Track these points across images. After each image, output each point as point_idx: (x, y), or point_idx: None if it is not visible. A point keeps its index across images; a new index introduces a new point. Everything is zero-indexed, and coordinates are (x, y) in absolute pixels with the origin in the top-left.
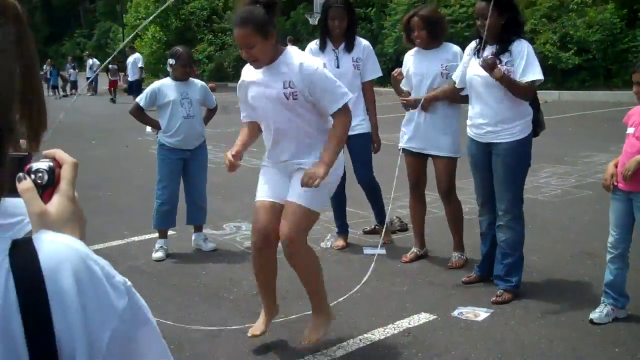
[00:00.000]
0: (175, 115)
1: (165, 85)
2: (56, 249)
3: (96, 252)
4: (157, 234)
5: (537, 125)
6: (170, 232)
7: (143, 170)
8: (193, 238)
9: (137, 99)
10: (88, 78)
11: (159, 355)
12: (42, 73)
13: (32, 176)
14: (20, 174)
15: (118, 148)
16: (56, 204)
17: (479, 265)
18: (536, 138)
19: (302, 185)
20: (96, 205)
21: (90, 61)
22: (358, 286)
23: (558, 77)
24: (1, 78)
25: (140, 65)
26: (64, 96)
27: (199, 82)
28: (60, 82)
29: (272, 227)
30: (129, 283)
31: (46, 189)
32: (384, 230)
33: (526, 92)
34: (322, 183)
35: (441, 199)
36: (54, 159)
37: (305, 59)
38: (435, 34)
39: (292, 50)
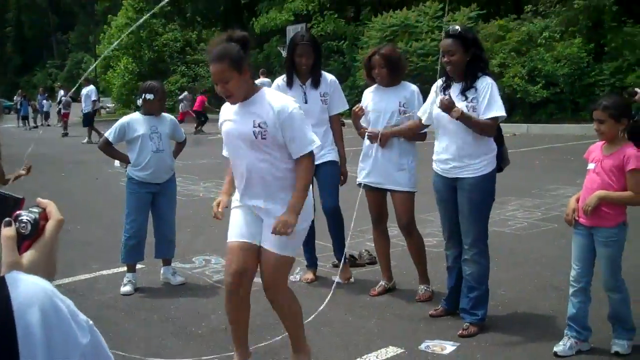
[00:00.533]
0: (144, 149)
1: (135, 120)
2: (26, 287)
3: (64, 285)
4: (125, 268)
5: (501, 160)
6: (139, 266)
7: (113, 203)
8: (162, 272)
9: (106, 134)
10: (59, 109)
11: None
12: (12, 104)
13: (17, 224)
14: (7, 219)
15: (88, 180)
16: (30, 257)
17: (445, 298)
18: (504, 171)
19: (274, 233)
20: (65, 239)
21: (61, 92)
22: (312, 316)
23: (526, 110)
24: None
25: (93, 98)
26: (34, 127)
27: (168, 116)
28: (30, 113)
29: (246, 267)
30: (91, 322)
31: (27, 239)
32: (341, 266)
33: (487, 129)
34: (299, 230)
35: (402, 233)
36: (43, 211)
37: (280, 101)
38: (395, 72)
39: (267, 90)
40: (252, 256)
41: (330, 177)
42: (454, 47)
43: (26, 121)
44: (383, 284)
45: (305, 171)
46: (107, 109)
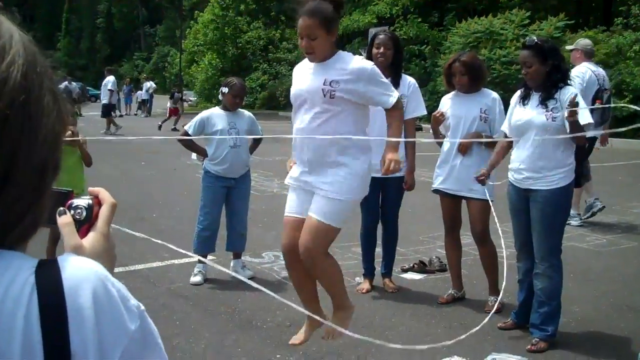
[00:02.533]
0: (222, 144)
1: (215, 115)
2: (78, 269)
3: (136, 272)
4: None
5: (581, 175)
6: (209, 257)
7: (188, 194)
8: (231, 265)
9: (186, 127)
10: (143, 100)
11: None
12: (99, 92)
13: (72, 212)
14: (61, 209)
15: (166, 170)
16: (91, 240)
17: (515, 311)
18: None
19: (386, 172)
20: (140, 226)
21: (147, 84)
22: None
23: (612, 124)
24: (52, 120)
25: (109, 87)
26: (119, 116)
27: (247, 113)
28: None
29: (295, 242)
30: (142, 307)
31: (83, 224)
32: (388, 280)
33: (582, 138)
34: (342, 201)
35: (475, 242)
36: (95, 197)
37: (358, 61)
38: (476, 79)
39: (346, 54)
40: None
41: (396, 191)
42: (530, 58)
43: (112, 110)
44: (452, 292)
45: (399, 117)
46: (190, 102)
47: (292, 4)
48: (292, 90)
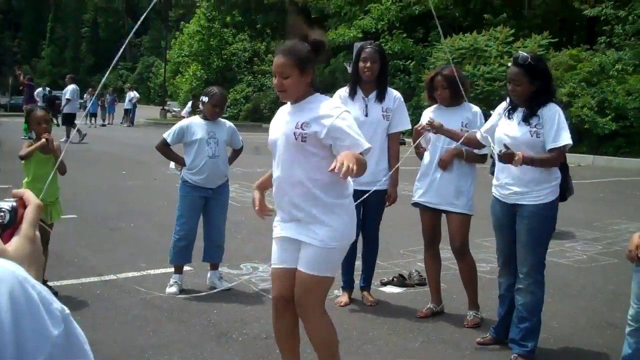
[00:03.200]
0: (200, 153)
1: (194, 124)
2: None
3: (112, 281)
4: (173, 269)
5: (566, 189)
6: (187, 268)
7: (168, 204)
8: (208, 276)
9: (165, 135)
10: (126, 109)
11: None
12: (82, 101)
13: None
14: None
15: (147, 180)
16: (14, 244)
17: (494, 326)
18: (566, 202)
19: (335, 170)
20: (118, 236)
21: (130, 93)
22: None
23: (593, 141)
24: None
25: (67, 96)
26: (102, 125)
27: (227, 123)
28: (99, 112)
29: (286, 292)
30: (67, 311)
31: (7, 228)
32: (367, 293)
33: (553, 162)
34: (330, 249)
35: (454, 256)
36: (20, 199)
37: (331, 103)
38: (457, 93)
39: (322, 96)
40: (291, 280)
41: (379, 206)
42: (520, 77)
43: (94, 119)
44: (431, 306)
45: (362, 162)
46: (173, 113)
47: (289, 35)
48: (269, 137)
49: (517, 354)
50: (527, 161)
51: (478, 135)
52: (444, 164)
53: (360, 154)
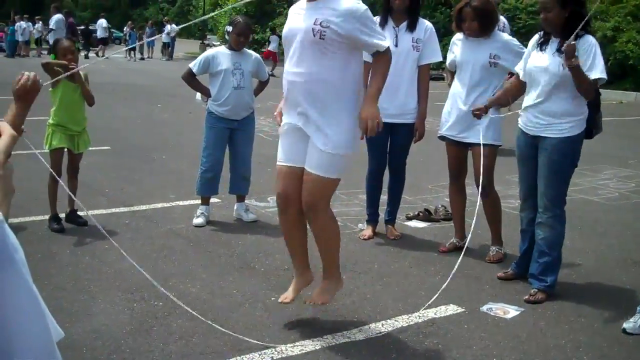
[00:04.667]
0: (225, 84)
1: (220, 53)
2: None
3: (140, 212)
4: (200, 201)
5: (594, 126)
6: (214, 200)
7: (200, 137)
8: (235, 208)
9: (191, 65)
10: (164, 43)
11: (27, 302)
12: (122, 34)
13: None
14: None
15: (181, 114)
16: None
17: (516, 262)
18: (602, 138)
19: (367, 134)
20: (149, 168)
21: (168, 27)
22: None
23: (638, 78)
24: None
25: (51, 26)
26: (141, 59)
27: (253, 54)
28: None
29: (290, 190)
30: (0, 218)
31: None
32: (391, 227)
33: (590, 89)
34: (333, 155)
35: (478, 190)
36: None
37: (351, 2)
38: (486, 25)
39: None
40: (296, 179)
41: (403, 138)
42: (550, 2)
43: (133, 52)
44: (454, 241)
45: (385, 63)
46: (214, 46)
47: None
48: (284, 31)
49: (537, 289)
50: (578, 69)
51: (521, 76)
52: (478, 115)
53: (384, 53)
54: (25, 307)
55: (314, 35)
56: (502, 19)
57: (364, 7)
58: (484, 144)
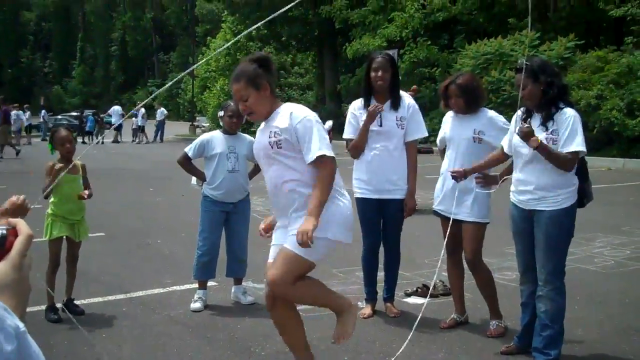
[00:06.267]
0: (220, 168)
1: (215, 138)
2: None
3: (136, 299)
4: (197, 285)
5: (584, 195)
6: (211, 283)
7: (194, 220)
8: (232, 291)
9: (186, 149)
10: (139, 126)
11: None
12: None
13: None
14: None
15: (174, 197)
16: None
17: (518, 335)
18: (594, 206)
19: (300, 245)
20: (144, 253)
21: (159, 110)
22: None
23: (623, 144)
24: None
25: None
26: (136, 142)
27: (247, 137)
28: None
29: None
30: (22, 329)
31: None
32: (390, 305)
33: (567, 164)
34: (320, 232)
35: (467, 266)
36: (12, 228)
37: (295, 108)
38: (471, 101)
39: (288, 103)
40: None
41: (395, 214)
42: (523, 80)
43: (90, 137)
44: (454, 317)
45: (323, 177)
46: (203, 128)
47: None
48: (254, 148)
49: None
50: (542, 147)
51: (506, 149)
52: (456, 178)
53: (326, 160)
54: None
55: (272, 147)
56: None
57: (308, 115)
58: (470, 222)
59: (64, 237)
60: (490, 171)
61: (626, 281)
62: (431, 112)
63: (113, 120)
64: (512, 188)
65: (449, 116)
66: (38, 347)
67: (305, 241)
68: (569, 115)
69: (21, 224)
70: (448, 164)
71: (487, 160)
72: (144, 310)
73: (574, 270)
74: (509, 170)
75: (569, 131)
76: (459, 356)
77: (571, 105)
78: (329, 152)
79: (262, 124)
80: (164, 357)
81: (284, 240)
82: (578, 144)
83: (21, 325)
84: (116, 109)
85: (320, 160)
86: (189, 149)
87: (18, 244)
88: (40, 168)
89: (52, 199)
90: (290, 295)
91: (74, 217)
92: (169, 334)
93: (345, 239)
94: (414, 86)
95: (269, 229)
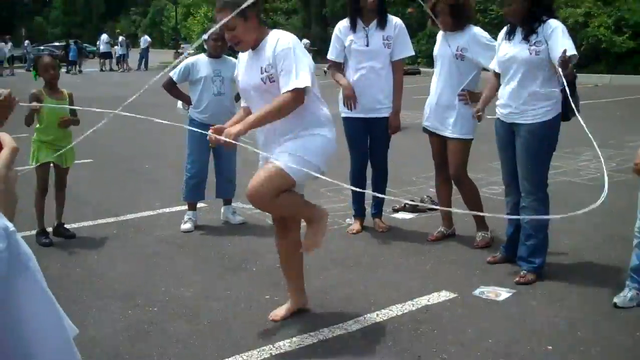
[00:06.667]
0: (205, 91)
1: (200, 62)
2: None
3: (127, 221)
4: (186, 206)
5: (571, 108)
6: (201, 205)
7: (182, 144)
8: (222, 211)
9: (171, 73)
10: (121, 55)
11: (42, 305)
12: (95, 48)
13: None
14: None
15: (161, 123)
16: None
17: (504, 245)
18: (583, 120)
19: (210, 139)
20: (133, 178)
21: (143, 38)
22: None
23: (611, 60)
24: None
25: None
26: (111, 70)
27: (232, 60)
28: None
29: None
30: (12, 229)
31: None
32: (378, 220)
33: (572, 70)
34: (298, 156)
35: (453, 181)
36: None
37: (281, 36)
38: (459, 19)
39: (275, 31)
40: None
41: (381, 132)
42: None
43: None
44: (442, 230)
45: (279, 101)
46: (188, 56)
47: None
48: (239, 84)
49: (526, 271)
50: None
51: (497, 69)
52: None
53: (295, 92)
54: (42, 311)
55: (265, 83)
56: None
57: (291, 43)
58: (453, 138)
59: (51, 163)
60: (475, 89)
61: (612, 192)
62: (418, 34)
63: (102, 48)
64: (497, 102)
65: (440, 34)
66: (29, 248)
67: (221, 141)
68: (553, 26)
69: (5, 137)
70: (434, 82)
71: (489, 88)
72: (134, 232)
73: (561, 183)
74: (495, 89)
75: (559, 40)
76: (446, 266)
77: (555, 18)
78: (303, 84)
79: (247, 57)
80: (155, 276)
81: None
82: (571, 49)
83: (10, 225)
84: (103, 37)
85: (287, 92)
86: (174, 73)
87: (3, 156)
88: (25, 97)
89: (37, 125)
90: (268, 208)
91: (60, 144)
92: (160, 253)
93: (322, 167)
94: (411, 9)
95: (218, 131)
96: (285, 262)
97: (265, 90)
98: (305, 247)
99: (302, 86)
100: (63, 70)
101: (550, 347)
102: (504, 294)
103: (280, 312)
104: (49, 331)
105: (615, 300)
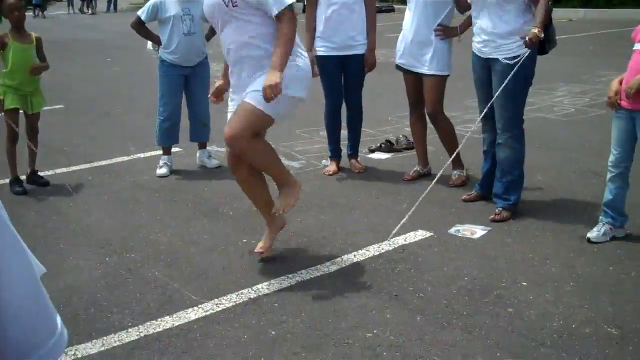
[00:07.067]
0: (175, 31)
1: (169, 0)
2: None
3: (102, 167)
4: (161, 151)
5: (547, 42)
6: (176, 149)
7: (154, 88)
8: (197, 155)
9: (139, 12)
10: None
11: (7, 238)
12: None
13: None
14: None
15: (132, 66)
16: None
17: (479, 183)
18: (554, 56)
19: (266, 100)
20: (105, 123)
21: None
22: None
23: None
24: None
25: None
26: (80, 11)
27: None
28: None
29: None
30: None
31: None
32: (354, 161)
33: (546, 6)
34: (282, 91)
35: (429, 119)
36: None
37: None
38: None
39: None
40: None
41: (355, 70)
42: None
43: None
44: (418, 169)
45: (288, 27)
46: None
47: None
48: (204, 8)
49: (501, 208)
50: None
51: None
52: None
53: (289, 14)
54: (7, 246)
55: (227, 5)
56: None
57: None
58: (429, 75)
59: (19, 110)
60: (449, 24)
61: (586, 127)
62: None
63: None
64: (473, 37)
65: None
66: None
67: (275, 93)
68: None
69: None
70: (407, 18)
71: (464, 22)
72: (109, 178)
73: (535, 120)
74: (469, 23)
75: None
76: (422, 205)
77: None
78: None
79: None
80: (132, 220)
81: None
82: None
83: None
84: None
85: (283, 13)
86: (142, 12)
87: None
88: None
89: (3, 69)
90: (247, 151)
91: (26, 89)
92: (136, 199)
93: (302, 95)
94: None
95: (219, 93)
96: (250, 191)
97: (226, 12)
98: (279, 207)
99: (290, 2)
100: (30, 14)
101: (525, 283)
102: (479, 231)
103: (264, 244)
104: (16, 266)
105: (589, 235)
